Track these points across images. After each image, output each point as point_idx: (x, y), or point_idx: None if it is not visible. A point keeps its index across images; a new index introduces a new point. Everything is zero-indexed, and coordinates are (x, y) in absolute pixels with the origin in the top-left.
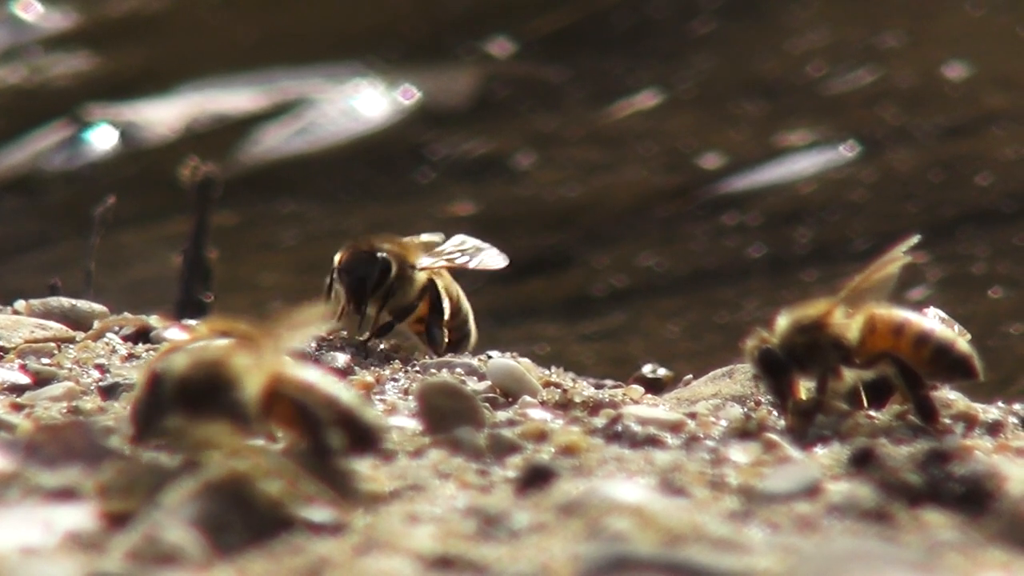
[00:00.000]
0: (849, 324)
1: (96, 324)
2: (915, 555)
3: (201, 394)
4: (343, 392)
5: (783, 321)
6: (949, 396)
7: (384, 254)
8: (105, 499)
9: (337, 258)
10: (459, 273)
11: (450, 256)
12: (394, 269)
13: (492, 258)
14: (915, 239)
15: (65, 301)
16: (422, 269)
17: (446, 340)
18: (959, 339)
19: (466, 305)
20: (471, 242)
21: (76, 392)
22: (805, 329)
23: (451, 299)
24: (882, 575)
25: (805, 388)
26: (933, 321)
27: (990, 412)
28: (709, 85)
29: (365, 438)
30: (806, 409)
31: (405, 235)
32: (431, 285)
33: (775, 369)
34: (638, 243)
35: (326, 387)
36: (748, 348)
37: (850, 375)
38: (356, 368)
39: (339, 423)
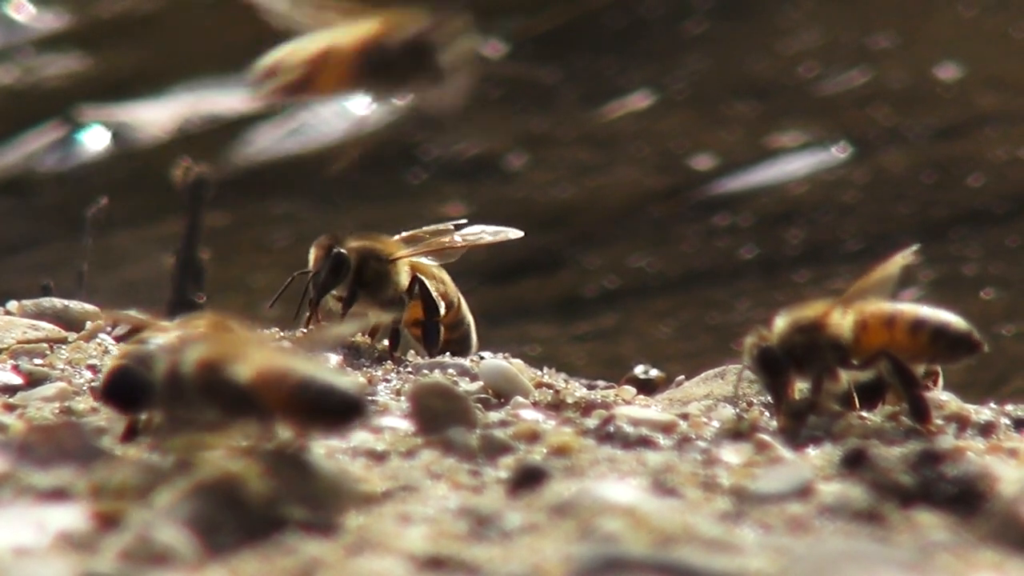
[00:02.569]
0: (843, 324)
1: (88, 325)
2: (907, 556)
3: (208, 387)
4: (316, 371)
5: (782, 321)
6: (941, 397)
7: (341, 249)
8: (97, 499)
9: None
10: (453, 273)
11: (439, 242)
12: (352, 263)
13: (496, 234)
14: (914, 248)
15: (57, 302)
16: (395, 259)
17: (442, 340)
18: (954, 317)
19: (467, 312)
20: (480, 228)
21: (68, 393)
22: (804, 329)
23: (449, 301)
24: None
25: (798, 389)
26: (923, 307)
27: (982, 413)
28: (701, 86)
29: (345, 410)
30: (799, 410)
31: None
32: (420, 284)
33: (773, 368)
34: (630, 244)
35: (299, 372)
36: (747, 346)
37: (844, 376)
38: (348, 369)
39: (312, 405)
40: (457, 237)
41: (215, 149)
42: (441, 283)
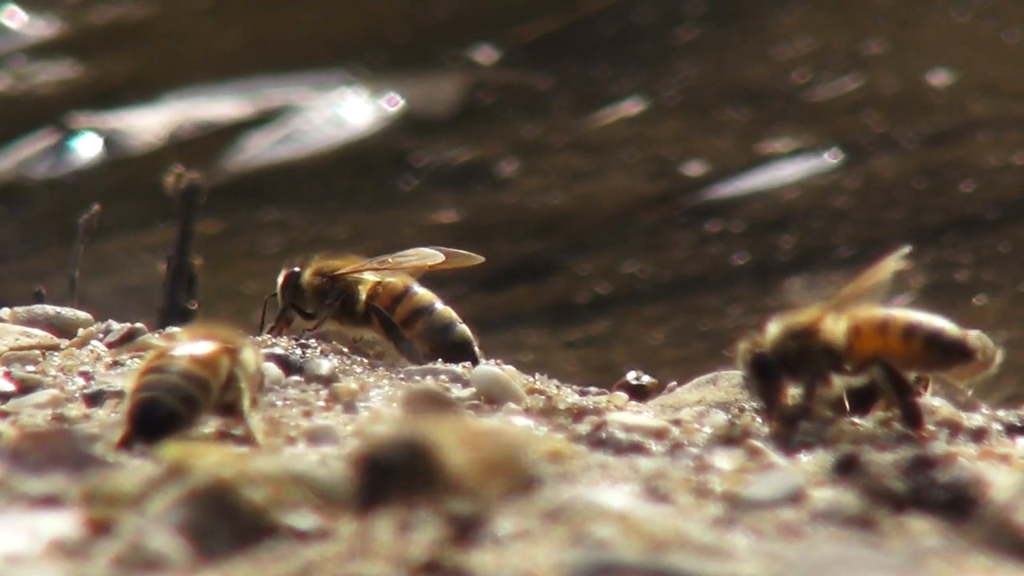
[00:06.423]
0: (836, 330)
1: (80, 331)
2: (899, 561)
3: None
4: None
5: (775, 327)
6: (933, 403)
7: (296, 267)
8: (90, 506)
9: None
10: (446, 279)
11: (381, 262)
12: (302, 279)
13: (423, 258)
14: (905, 250)
15: (50, 308)
16: (337, 274)
17: (424, 349)
18: (947, 324)
19: (449, 318)
20: (414, 251)
21: (61, 399)
22: (797, 335)
23: (416, 309)
24: None
25: (790, 394)
26: (917, 313)
27: (974, 418)
28: (693, 92)
29: None
30: (791, 415)
31: (391, 242)
32: (371, 304)
33: (766, 374)
34: (622, 250)
35: None
36: (740, 352)
37: (837, 381)
38: (341, 375)
39: None
40: (390, 257)
41: (207, 156)
42: (408, 296)
